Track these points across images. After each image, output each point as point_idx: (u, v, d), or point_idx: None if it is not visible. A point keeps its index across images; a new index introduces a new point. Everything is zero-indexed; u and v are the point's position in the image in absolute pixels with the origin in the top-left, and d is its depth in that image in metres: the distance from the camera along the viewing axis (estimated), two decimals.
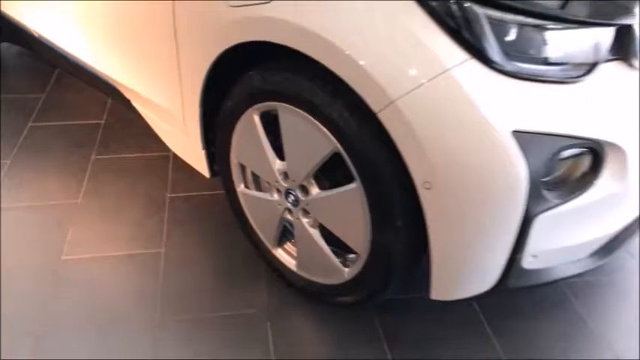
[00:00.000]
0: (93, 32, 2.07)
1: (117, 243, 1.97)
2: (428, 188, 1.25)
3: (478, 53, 1.18)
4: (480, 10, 1.17)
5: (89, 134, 2.54)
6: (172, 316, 1.70)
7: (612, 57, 1.29)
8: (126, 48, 1.93)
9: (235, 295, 1.79)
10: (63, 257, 1.90)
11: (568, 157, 1.28)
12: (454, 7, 1.17)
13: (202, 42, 1.55)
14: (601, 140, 1.26)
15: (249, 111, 1.55)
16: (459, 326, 1.72)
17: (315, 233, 1.58)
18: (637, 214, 1.50)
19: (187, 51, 1.62)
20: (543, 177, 1.24)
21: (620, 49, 1.28)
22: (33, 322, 1.66)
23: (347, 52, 1.23)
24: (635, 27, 1.27)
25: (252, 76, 1.51)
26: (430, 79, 1.18)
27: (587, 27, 1.24)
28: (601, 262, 1.51)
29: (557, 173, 1.28)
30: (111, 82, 2.11)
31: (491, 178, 1.20)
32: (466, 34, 1.17)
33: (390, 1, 1.21)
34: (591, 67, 1.26)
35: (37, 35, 2.38)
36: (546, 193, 1.25)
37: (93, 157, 2.39)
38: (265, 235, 1.77)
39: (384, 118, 1.24)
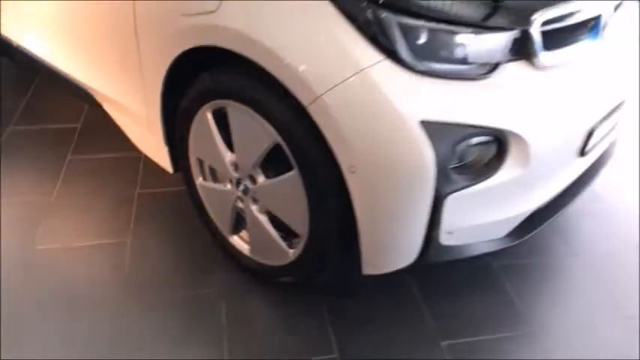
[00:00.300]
0: (65, 40, 2.25)
1: (87, 235, 2.13)
2: (353, 172, 1.43)
3: (391, 54, 1.37)
4: (393, 18, 1.36)
5: (66, 137, 2.70)
6: (135, 296, 1.86)
7: (514, 57, 1.48)
8: (94, 53, 2.11)
9: (194, 278, 1.95)
10: (37, 247, 2.06)
11: (476, 145, 1.46)
12: (370, 16, 1.36)
13: (160, 46, 1.73)
14: (504, 130, 1.44)
15: (203, 109, 1.73)
16: (398, 307, 1.89)
17: (264, 219, 1.76)
18: (548, 198, 1.69)
19: (148, 55, 1.80)
20: (452, 161, 1.42)
21: (521, 51, 1.48)
22: (8, 303, 1.81)
23: (279, 55, 1.41)
24: (533, 31, 1.47)
25: (204, 78, 1.69)
26: (350, 77, 1.36)
27: (490, 31, 1.43)
28: (517, 242, 1.70)
29: (467, 158, 1.46)
30: (84, 87, 2.28)
31: (402, 161, 1.38)
32: (381, 39, 1.36)
33: (317, 10, 1.39)
34: (494, 66, 1.45)
35: (15, 45, 2.55)
36: (455, 176, 1.43)
37: (68, 158, 2.55)
38: (221, 223, 1.94)
39: (313, 111, 1.42)
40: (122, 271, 1.97)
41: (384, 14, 1.35)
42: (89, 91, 2.27)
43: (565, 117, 1.59)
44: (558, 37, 1.55)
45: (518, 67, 1.50)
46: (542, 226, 1.76)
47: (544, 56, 1.50)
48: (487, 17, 1.45)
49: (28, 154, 2.58)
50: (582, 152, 1.72)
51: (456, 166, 1.45)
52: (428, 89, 1.38)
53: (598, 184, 2.33)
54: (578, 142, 1.68)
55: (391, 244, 1.52)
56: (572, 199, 1.88)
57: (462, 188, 1.45)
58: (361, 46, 1.37)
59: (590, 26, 1.66)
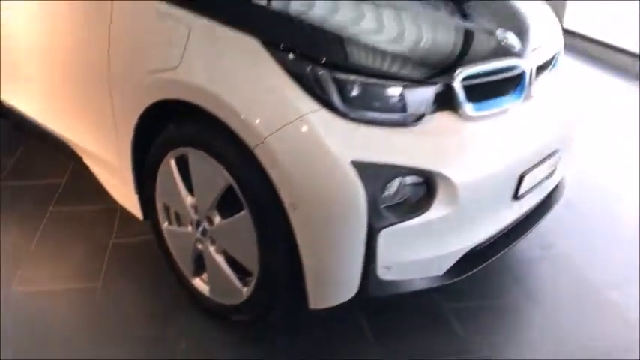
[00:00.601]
0: (47, 97, 2.45)
1: (61, 279, 2.24)
2: (294, 209, 1.57)
3: (327, 104, 1.54)
4: (329, 74, 1.55)
5: (50, 191, 2.84)
6: (103, 334, 1.96)
7: (441, 108, 1.66)
8: (73, 107, 2.30)
9: (158, 319, 2.05)
10: (15, 288, 2.17)
11: (406, 184, 1.61)
12: (310, 72, 1.54)
13: (131, 99, 1.91)
14: (431, 171, 1.60)
15: (167, 157, 1.89)
16: (349, 344, 1.97)
17: (220, 258, 1.88)
18: (484, 237, 1.82)
19: (119, 107, 1.98)
20: (383, 199, 1.56)
21: (446, 102, 1.65)
22: None
23: (230, 104, 1.59)
24: (456, 85, 1.65)
25: (169, 128, 1.86)
26: (291, 122, 1.53)
27: (416, 85, 1.62)
28: (456, 279, 1.81)
29: (398, 197, 1.61)
30: (66, 141, 2.46)
31: (336, 198, 1.52)
32: (318, 91, 1.54)
33: (263, 66, 1.58)
34: (421, 115, 1.62)
35: (7, 105, 2.75)
36: (386, 212, 1.57)
37: (50, 209, 2.69)
38: (184, 266, 2.05)
39: (259, 153, 1.58)
40: (92, 312, 2.07)
41: (322, 72, 1.54)
42: (70, 145, 2.45)
43: (492, 162, 1.75)
44: (482, 92, 1.73)
45: (446, 117, 1.67)
46: (482, 265, 1.88)
47: (468, 108, 1.68)
48: (414, 72, 1.65)
49: (13, 207, 2.72)
50: (516, 196, 1.87)
51: (389, 204, 1.59)
52: (359, 134, 1.55)
53: (553, 229, 2.48)
54: (510, 187, 1.83)
55: (332, 278, 1.64)
56: (514, 241, 2.02)
57: (394, 224, 1.58)
58: (302, 97, 1.55)
59: (516, 83, 1.85)
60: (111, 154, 2.16)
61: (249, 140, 1.58)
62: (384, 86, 1.59)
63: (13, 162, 3.13)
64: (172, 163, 1.89)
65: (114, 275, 2.26)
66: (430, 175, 1.60)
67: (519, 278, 2.34)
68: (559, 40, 2.21)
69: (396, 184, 1.58)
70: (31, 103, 2.60)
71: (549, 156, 1.97)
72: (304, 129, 1.53)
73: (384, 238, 1.58)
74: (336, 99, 1.55)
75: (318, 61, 1.56)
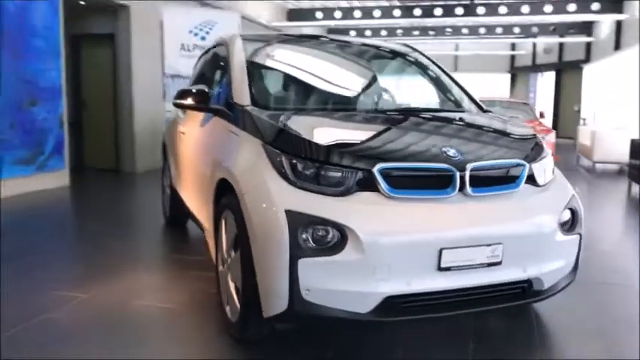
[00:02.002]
0: (190, 186, 3.77)
1: (166, 298, 3.32)
2: (253, 240, 2.42)
3: (285, 177, 2.43)
4: (287, 160, 2.45)
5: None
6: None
7: (365, 188, 2.39)
8: (198, 193, 3.53)
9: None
10: None
11: (324, 230, 2.31)
12: (278, 159, 2.47)
13: (209, 180, 3.05)
14: (340, 224, 2.30)
15: (221, 217, 2.90)
16: None
17: (231, 285, 2.74)
18: (400, 291, 2.34)
19: (207, 188, 3.13)
20: (303, 237, 2.29)
21: (369, 184, 2.38)
22: None
23: (235, 176, 2.59)
24: (375, 172, 2.38)
25: (221, 199, 2.91)
26: (259, 185, 2.45)
27: (345, 169, 2.40)
28: (380, 320, 2.35)
29: (318, 238, 2.31)
30: (197, 218, 3.69)
31: (272, 232, 2.33)
32: (281, 170, 2.45)
33: (256, 153, 2.57)
34: (350, 189, 2.37)
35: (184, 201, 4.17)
36: (304, 246, 2.29)
37: (173, 256, 3.88)
38: (222, 295, 2.95)
39: (241, 202, 2.50)
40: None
41: (284, 158, 2.46)
42: (199, 220, 3.67)
43: (404, 230, 2.35)
44: (403, 182, 2.41)
45: (373, 194, 2.39)
46: (410, 317, 2.41)
47: (388, 190, 2.37)
48: (345, 159, 2.43)
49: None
50: (440, 267, 2.38)
51: (313, 244, 2.32)
52: (298, 195, 2.37)
53: None
54: (429, 256, 2.36)
55: (271, 292, 2.37)
56: (456, 311, 2.47)
57: (311, 256, 2.29)
58: (271, 173, 2.47)
59: (446, 182, 2.46)
60: (206, 220, 3.29)
61: (239, 194, 2.53)
62: (319, 168, 2.41)
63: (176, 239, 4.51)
64: (222, 221, 2.90)
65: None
66: (340, 227, 2.30)
67: None
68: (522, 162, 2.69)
69: (312, 227, 2.31)
70: (184, 192, 3.97)
71: (483, 245, 2.43)
72: (264, 189, 2.42)
73: (302, 265, 2.29)
74: (289, 174, 2.42)
75: (285, 152, 2.48)
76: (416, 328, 2.93)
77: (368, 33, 17.81)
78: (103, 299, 3.29)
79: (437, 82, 3.74)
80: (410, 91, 3.76)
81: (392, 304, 2.37)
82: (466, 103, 3.58)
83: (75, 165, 8.71)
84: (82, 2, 8.22)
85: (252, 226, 2.43)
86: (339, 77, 3.64)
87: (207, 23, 7.52)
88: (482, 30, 17.38)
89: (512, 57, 22.10)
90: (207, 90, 3.28)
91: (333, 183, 2.41)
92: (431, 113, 3.30)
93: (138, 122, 8.68)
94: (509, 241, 2.51)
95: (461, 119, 3.16)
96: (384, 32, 17.82)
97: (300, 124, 2.69)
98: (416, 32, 17.85)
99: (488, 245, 2.46)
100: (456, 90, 3.66)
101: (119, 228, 5.25)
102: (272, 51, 3.71)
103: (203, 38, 7.54)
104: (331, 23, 15.36)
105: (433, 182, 2.48)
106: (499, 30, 17.35)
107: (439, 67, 3.79)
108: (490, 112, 3.48)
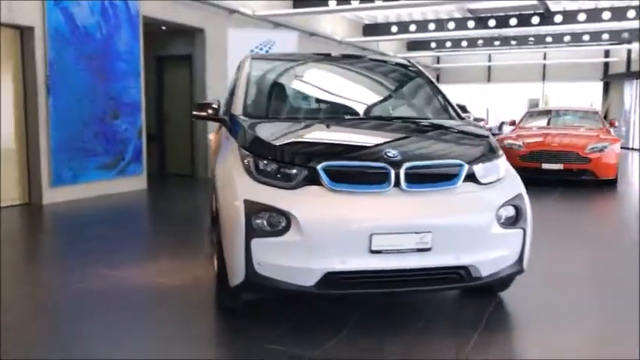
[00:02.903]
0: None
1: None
2: (222, 224, 3.00)
3: (250, 174, 2.99)
4: (252, 159, 3.02)
5: None
6: None
7: (312, 182, 2.89)
8: None
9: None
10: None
11: (273, 216, 2.84)
12: (246, 159, 3.04)
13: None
14: (284, 210, 2.82)
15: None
16: None
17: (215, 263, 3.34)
18: (337, 268, 2.81)
19: None
20: (257, 221, 2.84)
21: (315, 180, 2.89)
22: None
23: (217, 174, 3.19)
24: (319, 169, 2.88)
25: None
26: (229, 181, 3.03)
27: (294, 166, 2.93)
28: (322, 292, 2.85)
29: (267, 221, 2.84)
30: None
31: (233, 217, 2.90)
32: (248, 168, 3.01)
33: (235, 155, 3.15)
34: (297, 185, 2.89)
35: None
36: (257, 228, 2.83)
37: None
38: None
39: (216, 194, 3.10)
40: None
41: (250, 158, 3.03)
42: None
43: (338, 217, 2.82)
44: (343, 177, 2.89)
45: (318, 187, 2.89)
46: (348, 291, 2.92)
47: (330, 184, 2.87)
48: (296, 159, 2.95)
49: None
50: (371, 250, 2.82)
51: (264, 227, 2.85)
52: (256, 187, 2.92)
53: None
54: (362, 240, 2.81)
55: (233, 265, 2.93)
56: (388, 289, 2.91)
57: (262, 237, 2.83)
58: (240, 170, 3.04)
59: (382, 178, 2.90)
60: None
61: (216, 188, 3.13)
62: (281, 166, 2.95)
63: None
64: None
65: None
66: (285, 214, 2.81)
67: None
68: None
69: (263, 214, 2.84)
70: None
71: (412, 233, 2.85)
72: (232, 183, 3.00)
73: (254, 244, 2.84)
74: (253, 171, 2.99)
75: (252, 153, 3.05)
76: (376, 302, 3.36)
77: (448, 44, 17.95)
78: (132, 277, 4.02)
79: (422, 92, 4.15)
80: (395, 101, 4.18)
81: (331, 279, 2.85)
82: (450, 111, 3.95)
83: (157, 171, 9.83)
84: (164, 28, 9.29)
85: (222, 213, 3.02)
86: (322, 89, 4.18)
87: (267, 42, 8.27)
88: (566, 38, 16.94)
89: (606, 64, 21.16)
90: (217, 103, 3.92)
91: (286, 178, 2.94)
92: (397, 120, 3.74)
93: (210, 132, 9.60)
94: (439, 231, 2.90)
95: (423, 125, 3.56)
96: (464, 43, 17.88)
97: (268, 130, 3.25)
98: (497, 42, 17.73)
99: (417, 233, 2.87)
100: (437, 99, 4.03)
101: (177, 223, 6.07)
102: (273, 68, 4.30)
103: (267, 52, 8.29)
104: (407, 36, 15.71)
105: (372, 178, 2.93)
106: (586, 37, 16.82)
107: (428, 79, 4.18)
108: (464, 119, 3.83)
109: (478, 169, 3.12)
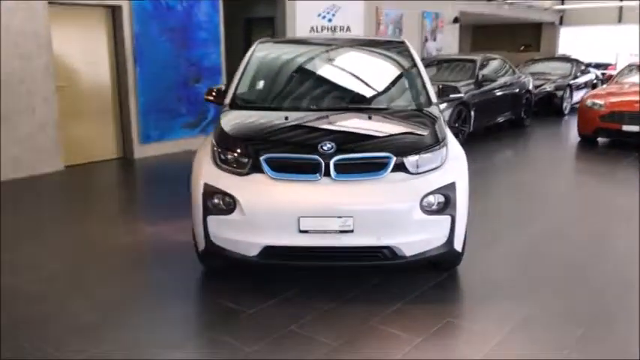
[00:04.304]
0: None
1: None
2: (191, 202, 3.69)
3: (213, 161, 3.63)
4: (217, 151, 3.64)
5: None
6: None
7: (257, 170, 3.46)
8: None
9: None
10: None
11: (223, 198, 3.46)
12: (214, 150, 3.67)
13: None
14: (229, 193, 3.43)
15: None
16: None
17: None
18: (274, 243, 3.39)
19: None
20: (212, 201, 3.48)
21: (258, 168, 3.45)
22: None
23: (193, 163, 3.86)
24: (261, 160, 3.43)
25: None
26: (201, 167, 3.69)
27: (242, 156, 3.51)
28: (263, 262, 3.46)
29: (220, 202, 3.47)
30: None
31: (196, 197, 3.56)
32: (214, 157, 3.64)
33: (210, 149, 3.79)
34: (247, 172, 3.48)
35: None
36: (211, 207, 3.48)
37: None
38: None
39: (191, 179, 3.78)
40: None
41: (216, 149, 3.64)
42: None
43: (273, 200, 3.38)
44: (282, 167, 3.42)
45: (262, 175, 3.46)
46: (285, 262, 3.52)
47: (270, 173, 3.42)
48: (246, 150, 3.52)
49: None
50: (300, 230, 3.36)
51: (218, 206, 3.48)
52: (217, 173, 3.55)
53: None
54: (292, 221, 3.35)
55: (197, 236, 3.62)
56: (319, 261, 3.45)
57: (215, 215, 3.48)
58: (209, 160, 3.67)
59: (314, 168, 3.39)
60: None
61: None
62: (235, 156, 3.54)
63: None
64: None
65: None
66: (232, 197, 3.42)
67: None
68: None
69: (216, 196, 3.47)
70: None
71: (335, 217, 3.33)
72: (199, 170, 3.65)
73: (209, 220, 3.50)
74: (217, 160, 3.61)
75: (217, 143, 3.66)
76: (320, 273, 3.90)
77: None
78: (158, 233, 4.89)
79: (403, 77, 4.43)
80: (368, 89, 4.48)
81: (270, 252, 3.45)
82: (421, 97, 4.23)
83: None
84: None
85: (191, 193, 3.69)
86: (309, 77, 4.60)
87: (332, 7, 8.63)
88: None
89: None
90: (222, 88, 4.53)
91: (239, 166, 3.53)
92: (355, 110, 4.08)
93: None
94: (360, 216, 3.35)
95: (376, 116, 3.91)
96: None
97: (234, 122, 3.84)
98: None
99: (339, 217, 3.34)
100: (416, 84, 4.31)
101: None
102: (273, 55, 4.78)
103: (330, 20, 8.68)
104: None
105: (306, 168, 3.43)
106: None
107: (413, 63, 4.45)
108: (432, 104, 4.10)
109: (409, 160, 3.47)
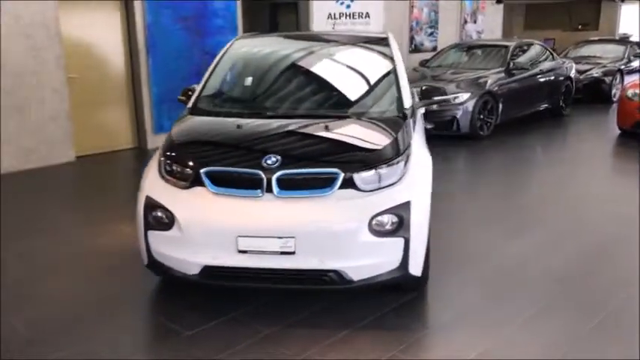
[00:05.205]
0: None
1: None
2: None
3: (159, 172, 3.45)
4: (163, 161, 3.45)
5: None
6: None
7: (200, 184, 3.26)
8: None
9: None
10: None
11: (161, 214, 3.29)
12: (160, 161, 3.49)
13: None
14: (167, 208, 3.24)
15: None
16: None
17: None
18: (213, 263, 3.19)
19: None
20: (152, 215, 3.31)
21: (198, 182, 3.25)
22: None
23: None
24: (202, 174, 3.22)
25: None
26: (145, 179, 3.52)
27: (187, 168, 3.31)
28: (206, 282, 3.27)
29: (160, 217, 3.29)
30: None
31: (138, 209, 3.40)
32: (160, 168, 3.47)
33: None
34: (189, 185, 3.29)
35: None
36: (152, 222, 3.31)
37: None
38: None
39: None
40: None
41: (162, 157, 3.46)
42: None
43: (212, 217, 3.17)
44: (224, 181, 3.20)
45: (202, 189, 3.26)
46: (225, 283, 3.31)
47: (211, 187, 3.22)
48: (188, 162, 3.32)
49: None
50: (239, 250, 3.14)
51: (157, 221, 3.31)
52: (161, 185, 3.37)
53: None
54: (230, 240, 3.13)
55: (139, 248, 3.45)
56: (256, 283, 3.25)
57: (155, 230, 3.31)
58: (155, 171, 3.49)
59: (255, 183, 3.16)
60: None
61: None
62: (178, 168, 3.35)
63: None
64: None
65: None
66: (170, 212, 3.24)
67: None
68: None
69: (157, 211, 3.30)
70: None
71: (275, 237, 3.09)
72: (143, 181, 3.47)
73: (150, 235, 3.33)
74: (163, 171, 3.43)
75: (163, 153, 3.48)
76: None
77: None
78: None
79: (377, 81, 4.09)
80: (333, 94, 4.16)
81: (210, 272, 3.25)
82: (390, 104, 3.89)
83: None
84: None
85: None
86: (277, 79, 4.31)
87: None
88: None
89: None
90: (191, 90, 4.34)
91: (181, 179, 3.34)
92: (310, 118, 3.75)
93: None
94: (302, 237, 3.09)
95: (332, 125, 3.61)
96: None
97: (184, 129, 3.64)
98: None
99: (280, 238, 3.10)
100: (391, 88, 3.96)
101: None
102: (246, 53, 4.54)
103: (348, 6, 8.30)
104: None
105: (248, 183, 3.20)
106: None
107: (393, 64, 4.10)
108: (401, 115, 3.75)
109: (360, 176, 3.17)
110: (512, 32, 19.21)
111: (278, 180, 3.16)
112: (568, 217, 5.16)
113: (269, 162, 3.21)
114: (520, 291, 3.72)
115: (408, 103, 3.86)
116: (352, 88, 4.14)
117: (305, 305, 3.50)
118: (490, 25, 13.71)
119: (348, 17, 8.49)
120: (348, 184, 3.17)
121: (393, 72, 4.06)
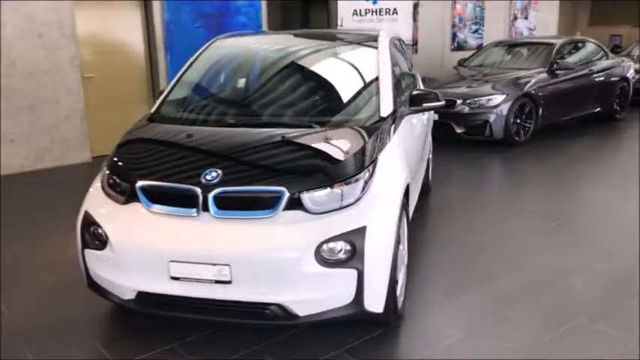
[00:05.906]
0: None
1: None
2: None
3: (102, 185, 3.14)
4: (106, 176, 3.14)
5: None
6: None
7: (137, 199, 2.93)
8: None
9: None
10: None
11: (97, 233, 2.98)
12: (105, 175, 3.18)
13: None
14: (101, 225, 2.93)
15: None
16: None
17: None
18: (143, 288, 2.86)
19: None
20: (89, 235, 3.01)
21: (134, 199, 2.92)
22: None
23: None
24: (137, 189, 2.89)
25: None
26: (88, 194, 3.23)
27: (126, 183, 2.98)
28: (138, 309, 2.94)
29: (96, 235, 2.99)
30: None
31: (77, 225, 3.11)
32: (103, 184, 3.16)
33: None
34: (127, 200, 2.96)
35: None
36: (88, 240, 3.01)
37: None
38: None
39: None
40: None
41: (107, 174, 3.15)
42: None
43: (144, 238, 2.83)
44: (159, 198, 2.85)
45: (139, 205, 2.92)
46: (161, 312, 2.93)
47: (145, 204, 2.88)
48: (126, 175, 3.00)
49: None
50: (171, 276, 2.79)
51: (93, 239, 3.00)
52: (99, 200, 3.07)
53: None
54: (162, 265, 2.79)
55: (81, 270, 3.15)
56: (193, 314, 2.88)
57: (91, 248, 3.00)
58: (98, 187, 3.18)
59: (191, 201, 2.79)
60: None
61: None
62: (117, 181, 3.04)
63: None
64: None
65: None
66: (103, 229, 2.92)
67: None
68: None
69: (93, 228, 2.98)
70: None
71: (209, 264, 2.71)
72: (86, 198, 3.18)
73: (86, 254, 3.03)
74: (105, 184, 3.12)
75: (107, 167, 3.17)
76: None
77: None
78: None
79: (348, 85, 3.63)
80: (303, 101, 3.70)
81: (144, 298, 2.92)
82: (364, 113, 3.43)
83: None
84: None
85: None
86: (236, 86, 3.94)
87: None
88: None
89: None
90: (162, 91, 4.03)
91: (120, 193, 3.02)
92: (272, 127, 3.33)
93: None
94: (239, 265, 2.70)
95: (283, 138, 3.17)
96: None
97: (129, 139, 3.32)
98: None
99: (214, 265, 2.72)
100: (370, 95, 3.48)
101: None
102: (222, 54, 4.16)
103: (374, 2, 7.80)
104: None
105: (183, 201, 2.83)
106: None
107: (375, 66, 3.62)
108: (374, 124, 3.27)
109: (309, 196, 2.75)
110: (576, 29, 18.01)
111: (215, 198, 2.78)
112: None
113: (208, 177, 2.83)
114: None
115: (386, 110, 3.37)
116: (324, 94, 3.71)
117: (261, 336, 3.10)
118: (544, 21, 12.79)
119: (374, 14, 8.00)
120: (296, 204, 2.75)
121: (374, 75, 3.58)
